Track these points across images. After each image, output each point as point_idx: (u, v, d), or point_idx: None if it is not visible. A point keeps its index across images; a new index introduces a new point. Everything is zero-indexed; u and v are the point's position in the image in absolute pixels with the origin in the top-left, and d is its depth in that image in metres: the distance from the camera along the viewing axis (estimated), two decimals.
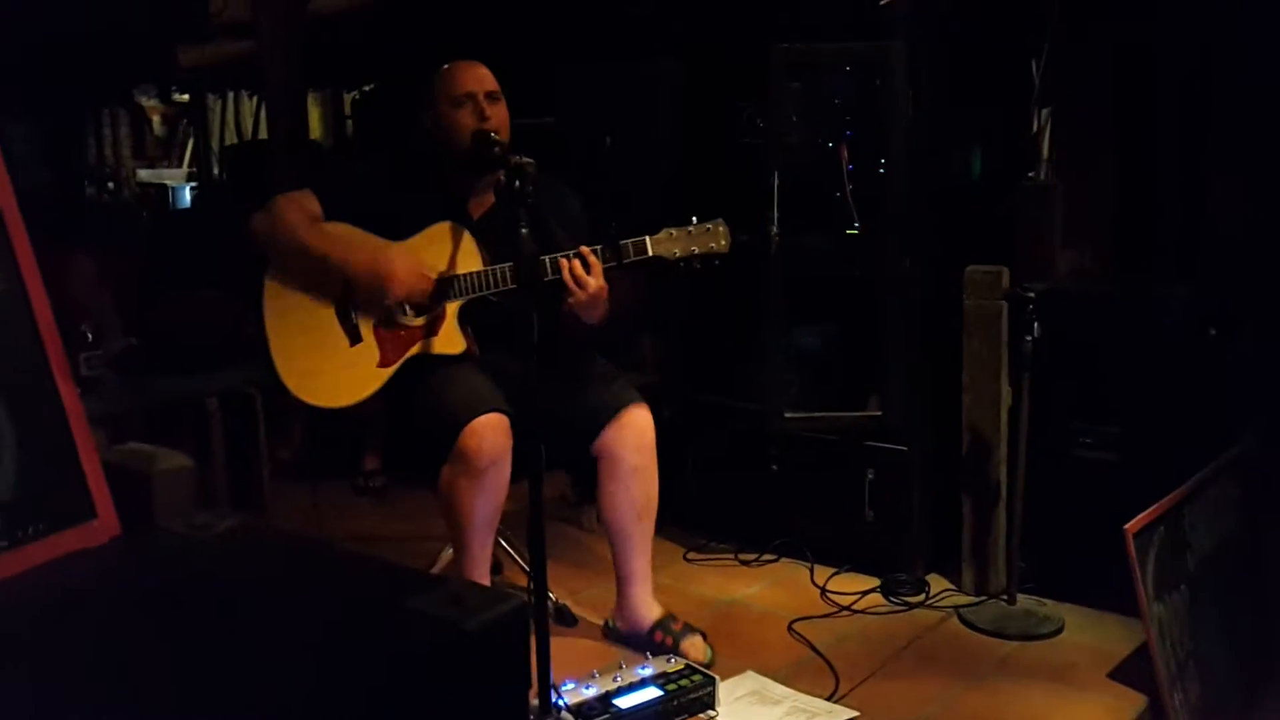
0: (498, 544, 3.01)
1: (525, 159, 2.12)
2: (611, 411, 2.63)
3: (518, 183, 2.10)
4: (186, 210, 8.25)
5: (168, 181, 8.92)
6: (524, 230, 2.09)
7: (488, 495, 2.50)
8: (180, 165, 9.24)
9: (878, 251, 3.19)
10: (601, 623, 2.87)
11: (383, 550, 3.51)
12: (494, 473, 2.49)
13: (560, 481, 3.73)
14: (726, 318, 3.51)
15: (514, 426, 2.51)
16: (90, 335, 3.80)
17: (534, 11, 4.25)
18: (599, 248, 2.52)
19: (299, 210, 2.63)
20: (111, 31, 5.89)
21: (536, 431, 2.16)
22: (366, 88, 6.70)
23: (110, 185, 8.82)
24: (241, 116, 8.54)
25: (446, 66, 2.73)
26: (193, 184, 8.44)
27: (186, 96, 8.50)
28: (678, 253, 2.54)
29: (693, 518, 3.53)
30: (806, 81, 3.19)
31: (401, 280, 2.56)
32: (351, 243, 2.61)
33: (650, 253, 2.54)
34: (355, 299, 2.64)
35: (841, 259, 3.24)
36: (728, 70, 3.34)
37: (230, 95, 8.50)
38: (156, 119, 9.41)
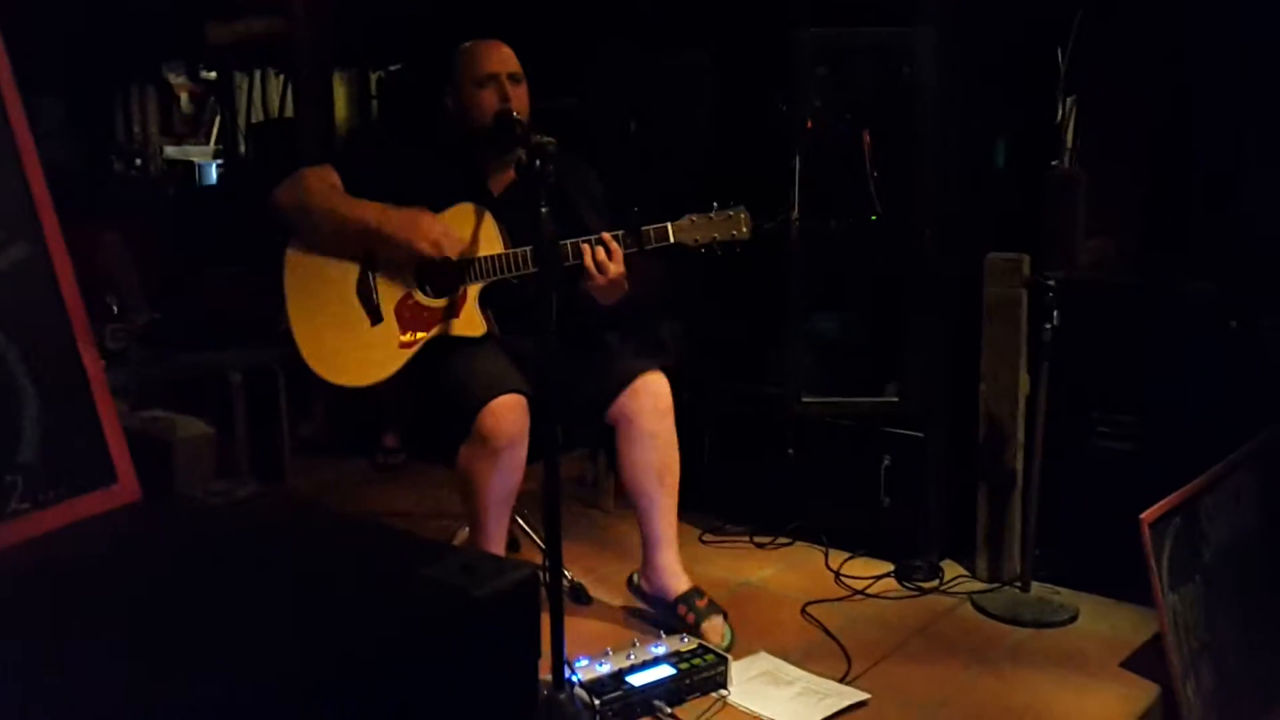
0: (515, 523, 3.03)
1: (546, 138, 2.13)
2: (626, 379, 2.64)
3: (538, 162, 2.11)
4: (212, 187, 8.29)
5: (194, 159, 8.93)
6: (544, 211, 2.10)
7: (504, 474, 2.52)
8: (207, 143, 9.24)
9: (899, 238, 3.18)
10: (618, 602, 2.89)
11: (402, 525, 3.54)
12: (511, 452, 2.51)
13: (579, 462, 3.75)
14: (746, 302, 3.51)
15: (532, 407, 2.53)
16: (116, 308, 3.85)
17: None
18: (620, 233, 2.53)
19: (320, 180, 2.66)
20: (140, 6, 5.94)
21: (553, 413, 2.18)
22: (393, 67, 6.70)
23: (138, 161, 8.86)
24: (269, 95, 8.54)
25: (468, 45, 2.74)
26: (219, 161, 8.46)
27: (214, 74, 8.53)
28: (699, 239, 2.55)
29: (709, 500, 3.53)
30: (832, 67, 3.19)
31: (432, 235, 2.57)
32: (379, 205, 2.63)
33: (672, 239, 2.55)
34: (378, 272, 2.65)
35: (863, 245, 3.24)
36: (755, 55, 3.33)
37: (257, 74, 8.50)
38: (184, 96, 9.40)
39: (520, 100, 2.67)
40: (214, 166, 8.51)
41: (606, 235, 2.52)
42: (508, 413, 2.49)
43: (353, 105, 7.88)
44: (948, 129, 3.13)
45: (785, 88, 3.17)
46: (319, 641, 0.85)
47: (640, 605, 2.82)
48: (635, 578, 2.81)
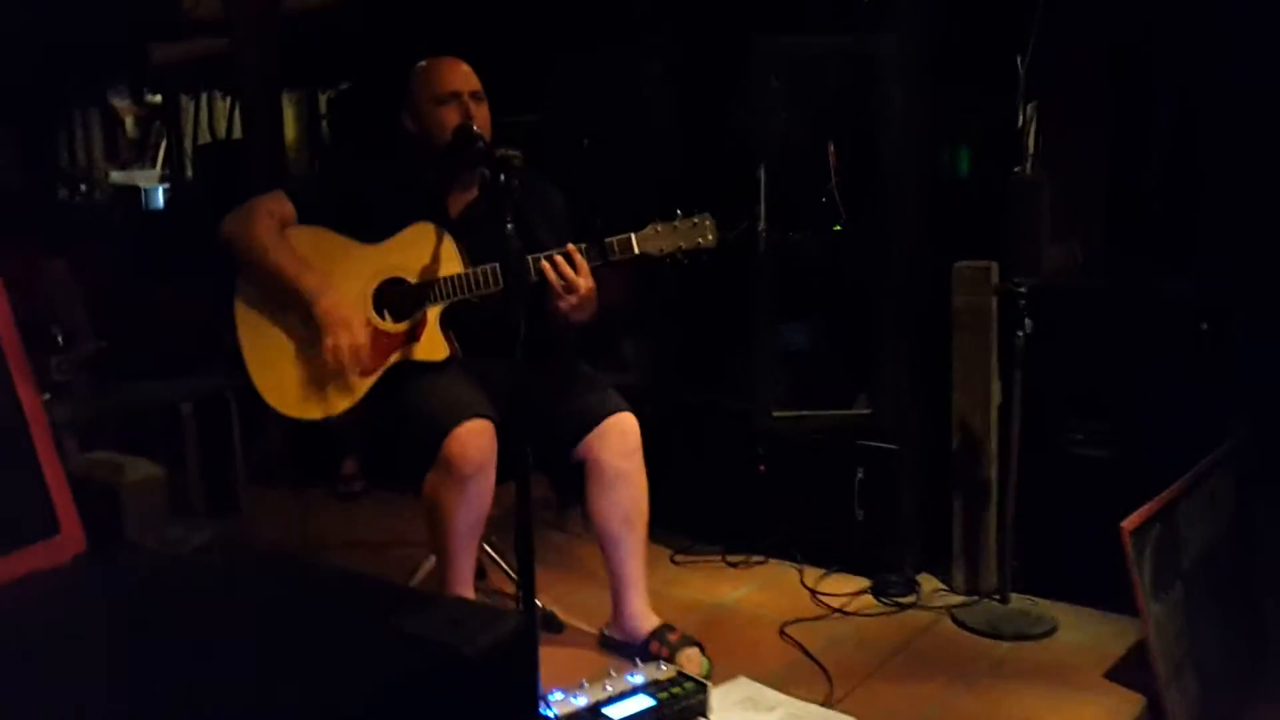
0: (482, 549, 2.95)
1: (511, 152, 2.06)
2: (595, 418, 2.56)
3: (503, 177, 2.03)
4: (159, 211, 8.16)
5: (140, 183, 8.82)
6: (509, 227, 2.03)
7: (472, 503, 2.44)
8: (154, 167, 9.14)
9: (866, 248, 3.15)
10: (590, 629, 2.81)
11: (364, 557, 3.44)
12: (478, 480, 2.42)
13: (544, 484, 3.66)
14: (713, 315, 3.46)
15: (499, 431, 2.45)
16: (61, 339, 3.72)
17: (515, 6, 4.17)
18: (584, 246, 2.46)
19: (268, 217, 2.56)
20: (82, 30, 5.80)
21: (523, 436, 2.10)
22: (343, 87, 6.60)
23: (83, 188, 8.74)
24: (215, 117, 8.43)
25: (427, 63, 2.66)
26: (165, 185, 8.34)
27: (159, 97, 8.42)
28: (664, 249, 2.48)
29: (679, 519, 3.46)
30: (794, 75, 3.15)
31: (344, 341, 2.49)
32: (308, 263, 2.54)
33: (636, 250, 2.47)
34: None
35: (830, 255, 3.20)
36: (715, 64, 3.29)
37: (204, 96, 8.39)
38: (129, 120, 9.31)
39: (483, 119, 2.60)
40: (160, 190, 8.39)
41: (572, 248, 2.44)
42: (474, 439, 2.40)
43: (301, 126, 7.77)
44: (911, 137, 3.10)
45: (746, 97, 3.12)
46: (290, 709, 0.77)
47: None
48: (606, 630, 2.73)
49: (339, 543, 3.57)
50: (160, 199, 8.32)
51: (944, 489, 3.09)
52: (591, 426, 2.56)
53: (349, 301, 2.52)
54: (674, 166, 3.40)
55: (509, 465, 2.41)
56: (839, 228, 3.21)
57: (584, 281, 2.43)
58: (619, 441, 2.57)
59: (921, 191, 3.15)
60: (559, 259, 2.43)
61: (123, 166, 9.01)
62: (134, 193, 8.71)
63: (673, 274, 2.65)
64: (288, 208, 2.58)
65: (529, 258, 2.44)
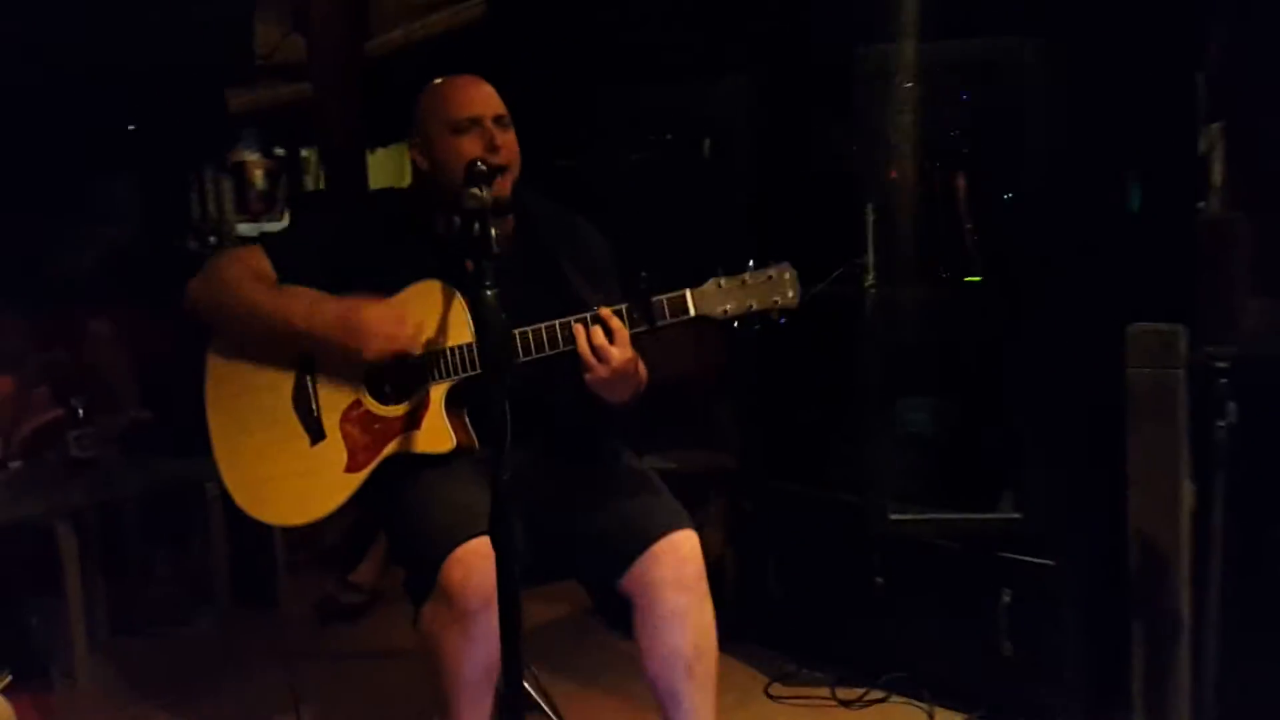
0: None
1: (474, 191, 1.52)
2: (644, 539, 1.96)
3: (478, 226, 1.49)
4: None
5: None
6: (490, 293, 1.49)
7: (479, 644, 1.86)
8: (281, 219, 9.36)
9: (1008, 305, 2.52)
10: None
11: (396, 671, 2.92)
12: (489, 615, 1.84)
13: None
14: (818, 387, 2.86)
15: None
16: (81, 411, 3.34)
17: (581, 39, 3.66)
18: (623, 308, 1.88)
19: (242, 268, 2.08)
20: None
21: (515, 575, 1.54)
22: None
23: (212, 240, 8.97)
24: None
25: (440, 84, 2.14)
26: None
27: (284, 151, 8.57)
28: (729, 310, 1.88)
29: (779, 636, 2.90)
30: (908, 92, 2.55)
31: (379, 333, 1.98)
32: (310, 298, 2.05)
33: (692, 311, 1.88)
34: (319, 375, 2.06)
35: (961, 314, 2.58)
36: (810, 83, 2.72)
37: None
38: (259, 173, 9.57)
39: (510, 148, 2.07)
40: None
41: (605, 311, 1.87)
42: (481, 562, 1.83)
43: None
44: (1066, 166, 2.50)
45: (853, 120, 2.53)
46: None
47: None
48: None
49: (373, 650, 3.06)
50: None
51: (1119, 617, 2.40)
52: (640, 550, 1.95)
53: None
54: (759, 208, 2.82)
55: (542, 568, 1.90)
56: (974, 279, 2.58)
57: (619, 353, 1.86)
58: (675, 570, 1.95)
59: (1080, 234, 2.53)
60: (592, 325, 1.87)
61: (254, 219, 9.21)
62: None
63: (766, 334, 2.07)
64: (264, 265, 2.09)
65: (557, 323, 1.89)
